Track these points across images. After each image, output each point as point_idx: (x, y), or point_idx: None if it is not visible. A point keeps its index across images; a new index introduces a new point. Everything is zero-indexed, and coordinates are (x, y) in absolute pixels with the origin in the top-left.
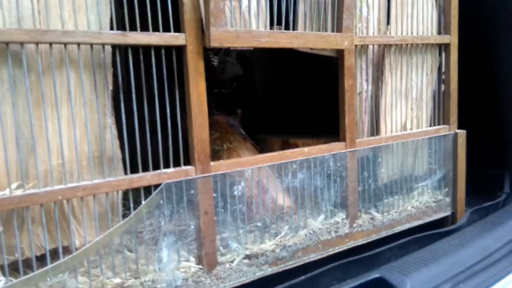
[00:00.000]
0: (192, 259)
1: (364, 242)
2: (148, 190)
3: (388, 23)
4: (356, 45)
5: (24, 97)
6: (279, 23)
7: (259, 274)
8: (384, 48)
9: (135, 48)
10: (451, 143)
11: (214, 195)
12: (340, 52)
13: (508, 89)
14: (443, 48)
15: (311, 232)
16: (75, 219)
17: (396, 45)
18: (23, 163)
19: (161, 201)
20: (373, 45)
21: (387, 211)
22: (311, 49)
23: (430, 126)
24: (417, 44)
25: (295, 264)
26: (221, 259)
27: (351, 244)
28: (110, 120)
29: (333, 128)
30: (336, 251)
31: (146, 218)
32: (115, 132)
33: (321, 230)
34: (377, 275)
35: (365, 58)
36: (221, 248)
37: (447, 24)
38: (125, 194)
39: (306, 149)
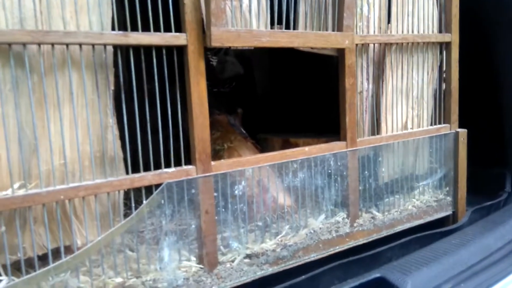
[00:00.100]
0: (193, 258)
1: (365, 241)
2: (149, 189)
3: (388, 21)
4: (356, 44)
5: (27, 97)
6: (279, 22)
7: (260, 273)
8: (385, 47)
9: (137, 48)
10: (452, 142)
11: (215, 194)
12: (341, 51)
13: (509, 88)
14: (444, 46)
15: (312, 231)
16: (77, 218)
17: (397, 43)
18: (26, 163)
19: (162, 201)
20: (374, 44)
21: (388, 211)
22: (312, 48)
23: (431, 125)
24: (418, 43)
25: (296, 264)
26: (222, 259)
27: (351, 243)
28: (111, 120)
29: (333, 127)
30: (336, 250)
31: (147, 217)
32: (116, 132)
33: (321, 230)
34: (378, 275)
35: (365, 57)
36: (222, 247)
37: (448, 22)
38: (127, 193)
39: (306, 148)
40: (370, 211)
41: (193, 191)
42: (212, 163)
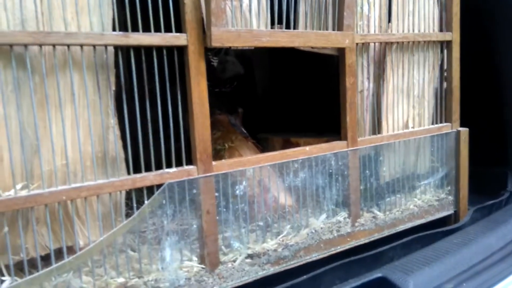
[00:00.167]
0: (195, 258)
1: (366, 241)
2: (151, 190)
3: (389, 20)
4: (357, 43)
5: (28, 98)
6: (280, 22)
7: (261, 273)
8: (386, 46)
9: (137, 48)
10: (454, 141)
11: (216, 194)
12: (341, 51)
13: (511, 86)
14: (445, 45)
15: (313, 231)
16: (79, 219)
17: (398, 42)
18: (28, 164)
19: (164, 201)
20: (375, 43)
21: (389, 210)
22: (312, 48)
23: (432, 124)
24: (419, 42)
25: (297, 264)
26: (223, 259)
27: (353, 243)
28: (113, 121)
29: (334, 126)
30: (338, 250)
31: (149, 217)
32: (118, 132)
33: (323, 229)
34: (379, 275)
35: (366, 56)
36: (223, 247)
37: (449, 21)
38: (128, 194)
39: (307, 148)
40: (371, 210)
41: (194, 191)
42: (213, 163)
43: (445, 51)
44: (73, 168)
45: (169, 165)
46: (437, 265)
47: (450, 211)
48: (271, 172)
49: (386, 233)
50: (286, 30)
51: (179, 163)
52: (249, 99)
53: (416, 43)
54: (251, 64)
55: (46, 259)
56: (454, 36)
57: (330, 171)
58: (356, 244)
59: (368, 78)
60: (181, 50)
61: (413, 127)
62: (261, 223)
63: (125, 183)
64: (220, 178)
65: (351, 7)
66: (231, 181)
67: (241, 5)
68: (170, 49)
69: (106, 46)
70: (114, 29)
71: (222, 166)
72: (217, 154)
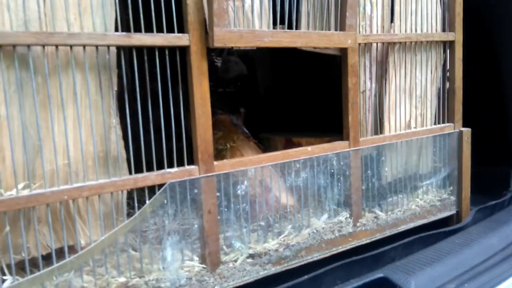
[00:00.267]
0: (196, 258)
1: (368, 241)
2: (152, 189)
3: (392, 20)
4: (359, 44)
5: (31, 98)
6: (282, 22)
7: (262, 273)
8: (388, 46)
9: (140, 49)
10: (456, 141)
11: (218, 194)
12: (344, 51)
13: None
14: (448, 45)
15: (315, 231)
16: (80, 218)
17: (400, 42)
18: (30, 164)
19: (165, 201)
20: (377, 43)
21: (391, 210)
22: (314, 48)
23: (435, 124)
24: (421, 42)
25: (299, 264)
26: (224, 258)
27: (354, 243)
28: (115, 121)
29: (336, 126)
30: (339, 250)
31: (150, 217)
32: (120, 132)
33: (324, 229)
34: (381, 275)
35: (368, 56)
36: (224, 247)
37: (452, 21)
38: (130, 193)
39: (309, 148)
40: (373, 210)
41: (195, 191)
42: (215, 163)
43: (448, 51)
44: (75, 168)
45: (170, 165)
46: (439, 265)
47: (452, 211)
48: (273, 172)
49: (387, 233)
50: (288, 30)
51: (180, 163)
52: (251, 99)
53: (418, 43)
54: (253, 64)
55: (47, 259)
56: (456, 36)
57: (332, 171)
58: (358, 244)
59: (371, 78)
60: (184, 51)
61: (415, 127)
62: (262, 223)
63: (127, 182)
64: (221, 178)
65: (354, 7)
66: (232, 181)
67: (243, 6)
68: (173, 49)
69: (108, 46)
70: (116, 30)
71: (224, 166)
72: (219, 154)
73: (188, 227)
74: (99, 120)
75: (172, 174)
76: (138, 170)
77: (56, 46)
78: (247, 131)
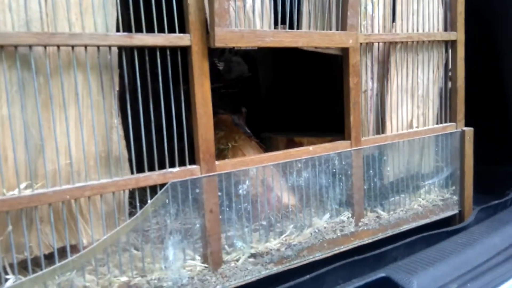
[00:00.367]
0: (198, 257)
1: (370, 241)
2: (154, 189)
3: (393, 20)
4: (361, 43)
5: (33, 98)
6: (283, 22)
7: (264, 272)
8: (390, 46)
9: (141, 49)
10: (458, 140)
11: (219, 194)
12: (345, 51)
13: None
14: (450, 45)
15: (316, 231)
16: (82, 218)
17: (402, 42)
18: (32, 164)
19: (167, 200)
20: (379, 42)
21: (394, 210)
22: (316, 48)
23: (437, 123)
24: (423, 41)
25: (300, 263)
26: (226, 258)
27: (356, 243)
28: (116, 121)
29: (338, 126)
30: (341, 250)
31: (152, 217)
32: (121, 132)
33: (326, 229)
34: (383, 275)
35: (370, 56)
36: (226, 246)
37: (453, 20)
38: (132, 193)
39: (311, 147)
40: (375, 210)
41: (197, 190)
42: (216, 162)
43: (450, 51)
44: (77, 168)
45: (172, 165)
46: (441, 265)
47: (454, 211)
48: (275, 172)
49: (390, 233)
50: (289, 30)
51: (182, 163)
52: (253, 99)
53: (420, 43)
54: (254, 64)
55: (49, 258)
56: (458, 35)
57: (334, 170)
58: (360, 244)
59: (372, 78)
60: (185, 51)
61: (417, 127)
62: (264, 223)
63: (129, 182)
64: (223, 177)
65: (355, 7)
66: (234, 181)
67: (244, 6)
68: (174, 49)
69: (110, 46)
70: (118, 30)
71: (225, 165)
72: (221, 154)
73: (190, 227)
74: (100, 120)
75: (173, 173)
76: (140, 169)
77: (58, 46)
78: (248, 131)
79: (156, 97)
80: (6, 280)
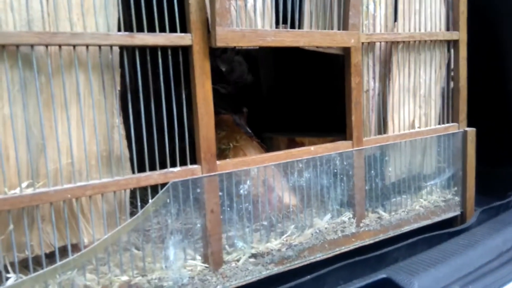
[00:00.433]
0: (198, 257)
1: (371, 241)
2: (155, 189)
3: (395, 19)
4: (362, 43)
5: (34, 98)
6: (284, 21)
7: (265, 273)
8: (392, 45)
9: (142, 49)
10: (460, 141)
11: (220, 193)
12: (347, 50)
13: None
14: (452, 44)
15: (317, 231)
16: (83, 217)
17: (404, 42)
18: (34, 163)
19: (168, 200)
20: (380, 42)
21: (395, 211)
22: (317, 47)
23: (439, 124)
24: (425, 41)
25: (301, 264)
26: (227, 258)
27: (358, 243)
28: (118, 120)
29: (339, 126)
30: (342, 250)
31: (153, 216)
32: (123, 132)
33: (327, 230)
34: (384, 276)
35: (372, 56)
36: (227, 246)
37: (456, 20)
38: (133, 192)
39: (312, 147)
40: (376, 211)
41: (198, 190)
42: (218, 162)
43: (452, 51)
44: (78, 167)
45: (173, 164)
46: (443, 266)
47: (456, 212)
48: (276, 172)
49: (391, 233)
50: (291, 29)
51: (183, 163)
52: (254, 99)
53: (422, 43)
54: (256, 64)
55: (50, 257)
56: (461, 35)
57: (335, 171)
58: (361, 245)
59: (374, 78)
60: (186, 50)
61: (419, 127)
62: (265, 223)
63: (130, 182)
64: (224, 177)
65: (357, 6)
66: (235, 181)
67: (245, 5)
68: (175, 49)
69: (111, 46)
70: (119, 30)
71: (226, 165)
72: (222, 154)
73: (190, 227)
74: (102, 120)
75: (174, 173)
76: (141, 169)
77: (59, 46)
78: (250, 131)
79: (157, 97)
80: (7, 278)
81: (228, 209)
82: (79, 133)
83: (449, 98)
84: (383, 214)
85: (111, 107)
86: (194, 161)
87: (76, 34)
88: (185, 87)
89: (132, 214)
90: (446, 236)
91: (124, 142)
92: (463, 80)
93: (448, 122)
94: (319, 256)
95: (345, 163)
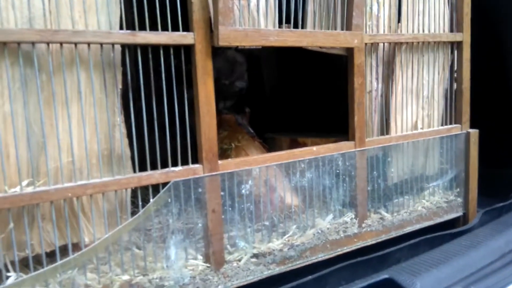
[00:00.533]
0: (200, 257)
1: (373, 242)
2: (156, 188)
3: (399, 20)
4: (366, 43)
5: (35, 96)
6: (287, 21)
7: (266, 273)
8: (395, 46)
9: (144, 47)
10: (463, 142)
11: (222, 193)
12: (350, 51)
13: None
14: (455, 46)
15: (319, 231)
16: (84, 216)
17: (407, 43)
18: (34, 161)
19: (169, 199)
20: (384, 43)
21: (397, 211)
22: (320, 47)
23: (442, 125)
24: (429, 42)
25: (303, 264)
26: (228, 258)
27: (360, 244)
28: (119, 119)
29: (342, 127)
30: (344, 251)
31: (154, 216)
32: (124, 130)
33: (329, 230)
34: (386, 276)
35: (375, 56)
36: (228, 246)
37: (459, 21)
38: (134, 192)
39: (314, 148)
40: (378, 211)
41: (200, 190)
42: (219, 162)
43: (455, 52)
44: (79, 166)
45: (175, 164)
46: (445, 267)
47: (459, 213)
48: (278, 172)
49: (393, 234)
50: (294, 29)
51: (185, 162)
52: (257, 99)
53: (426, 44)
54: (258, 64)
55: (51, 256)
56: (464, 36)
57: (337, 171)
58: (363, 245)
59: (377, 79)
60: (188, 49)
61: (422, 128)
62: (267, 223)
63: (131, 181)
64: (226, 177)
65: (360, 7)
66: (237, 180)
67: (248, 4)
68: (177, 48)
69: (113, 44)
70: (121, 28)
71: (228, 165)
72: (224, 154)
73: (192, 226)
74: (103, 118)
75: (176, 172)
76: (142, 168)
77: (61, 43)
78: (252, 131)
79: (159, 96)
80: (8, 277)
81: (230, 209)
82: (80, 132)
83: (452, 99)
84: (385, 214)
85: (113, 105)
86: (195, 160)
87: (77, 32)
88: (187, 86)
89: (133, 213)
90: (448, 237)
91: (125, 141)
92: (466, 81)
93: (451, 123)
94: (321, 257)
95: (347, 163)
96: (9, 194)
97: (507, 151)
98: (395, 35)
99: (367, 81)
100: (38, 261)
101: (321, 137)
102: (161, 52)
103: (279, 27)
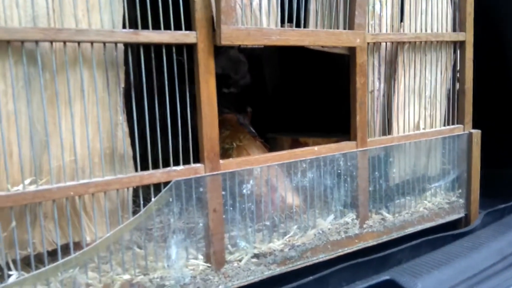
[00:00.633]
0: (201, 257)
1: (375, 243)
2: (158, 187)
3: (401, 20)
4: (368, 43)
5: (39, 94)
6: (290, 20)
7: (267, 273)
8: (397, 46)
9: (147, 46)
10: (466, 143)
11: (223, 193)
12: (352, 50)
13: None
14: (458, 45)
15: (320, 232)
16: (86, 215)
17: (410, 42)
18: (37, 159)
19: (171, 199)
20: (386, 42)
21: (399, 212)
22: (322, 47)
23: (444, 125)
24: (431, 42)
25: (304, 264)
26: (229, 258)
27: (361, 245)
28: (121, 118)
29: (344, 127)
30: (345, 251)
31: (155, 215)
32: (126, 129)
33: (330, 230)
34: (387, 277)
35: (377, 56)
36: (229, 246)
37: (462, 21)
38: (136, 191)
39: (316, 148)
40: (380, 212)
41: (201, 189)
42: (221, 161)
43: (458, 52)
44: (81, 164)
45: (176, 163)
46: (447, 268)
47: (461, 214)
48: (279, 172)
49: (394, 235)
50: (296, 28)
51: (186, 161)
52: (258, 98)
53: (428, 43)
54: (260, 63)
55: (53, 255)
56: (467, 36)
57: (339, 171)
58: (364, 246)
59: (379, 78)
60: (191, 48)
61: (424, 128)
62: (268, 223)
63: (133, 180)
64: (227, 176)
65: (363, 6)
66: (238, 180)
67: (251, 3)
68: (180, 47)
69: (116, 43)
70: (124, 27)
71: (230, 164)
72: (225, 153)
73: (193, 226)
74: (106, 117)
75: (177, 172)
76: (144, 167)
77: (64, 42)
78: (253, 131)
79: (161, 95)
80: (9, 276)
81: (231, 208)
82: (83, 130)
83: (454, 99)
84: (387, 215)
85: (115, 104)
86: (197, 160)
87: (81, 31)
88: (190, 85)
89: (134, 212)
90: (450, 238)
91: (128, 140)
92: (469, 82)
93: (453, 123)
94: (322, 257)
95: (349, 163)
96: (11, 193)
97: (510, 152)
98: (398, 35)
99: (369, 81)
100: (39, 260)
101: (322, 137)
102: (164, 51)
103: (281, 26)
